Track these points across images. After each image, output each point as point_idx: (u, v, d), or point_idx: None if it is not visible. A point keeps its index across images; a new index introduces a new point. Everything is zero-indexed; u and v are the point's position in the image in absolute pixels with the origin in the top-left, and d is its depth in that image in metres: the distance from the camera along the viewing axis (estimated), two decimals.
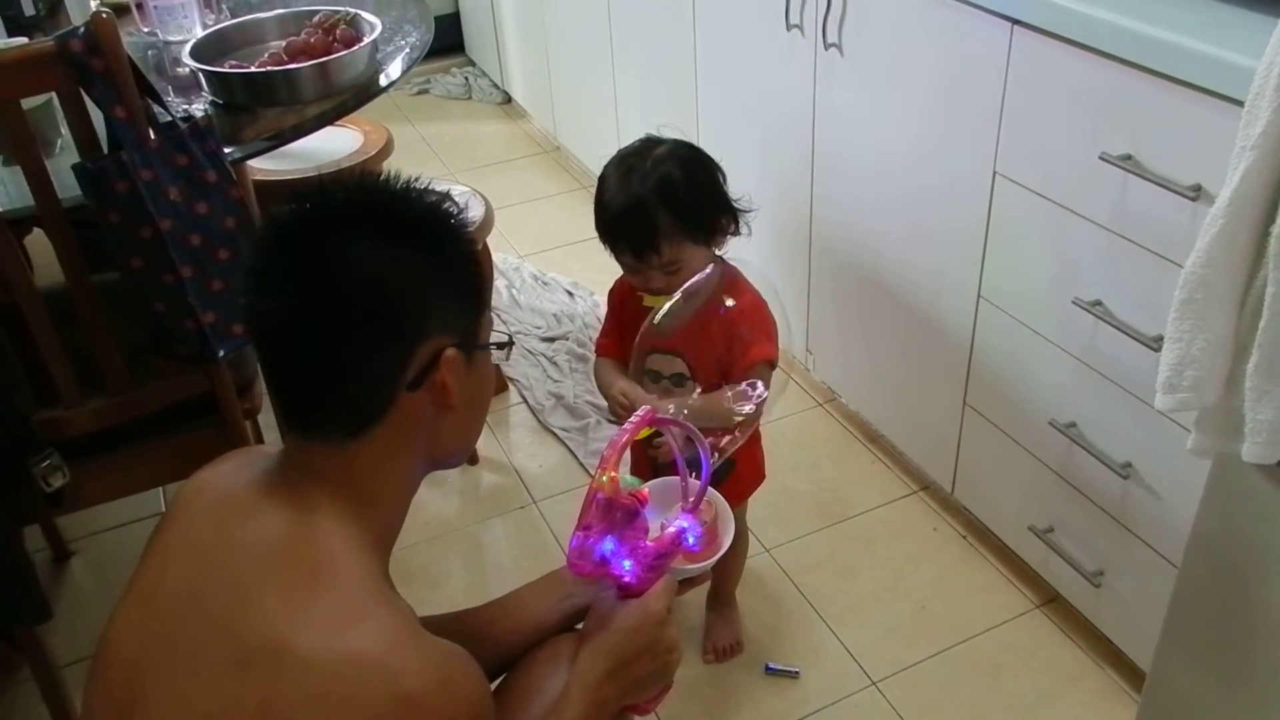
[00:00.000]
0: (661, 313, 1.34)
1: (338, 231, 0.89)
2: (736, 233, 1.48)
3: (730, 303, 1.44)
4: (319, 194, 0.92)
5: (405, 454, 0.94)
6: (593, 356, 2.40)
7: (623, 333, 1.55)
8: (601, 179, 1.46)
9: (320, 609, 0.84)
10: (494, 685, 1.13)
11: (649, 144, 1.45)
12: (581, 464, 2.16)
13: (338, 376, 0.90)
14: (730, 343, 1.47)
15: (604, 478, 1.04)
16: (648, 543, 1.07)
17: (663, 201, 1.38)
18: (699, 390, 1.50)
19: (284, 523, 0.90)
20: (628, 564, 1.05)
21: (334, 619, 0.84)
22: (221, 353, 1.44)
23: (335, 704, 0.81)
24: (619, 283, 1.58)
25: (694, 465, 1.17)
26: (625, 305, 1.56)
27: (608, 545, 1.04)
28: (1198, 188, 1.26)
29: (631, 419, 1.11)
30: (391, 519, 0.97)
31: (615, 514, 1.04)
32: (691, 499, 1.14)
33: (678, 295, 1.34)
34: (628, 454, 1.63)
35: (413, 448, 0.95)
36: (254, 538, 0.90)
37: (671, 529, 1.09)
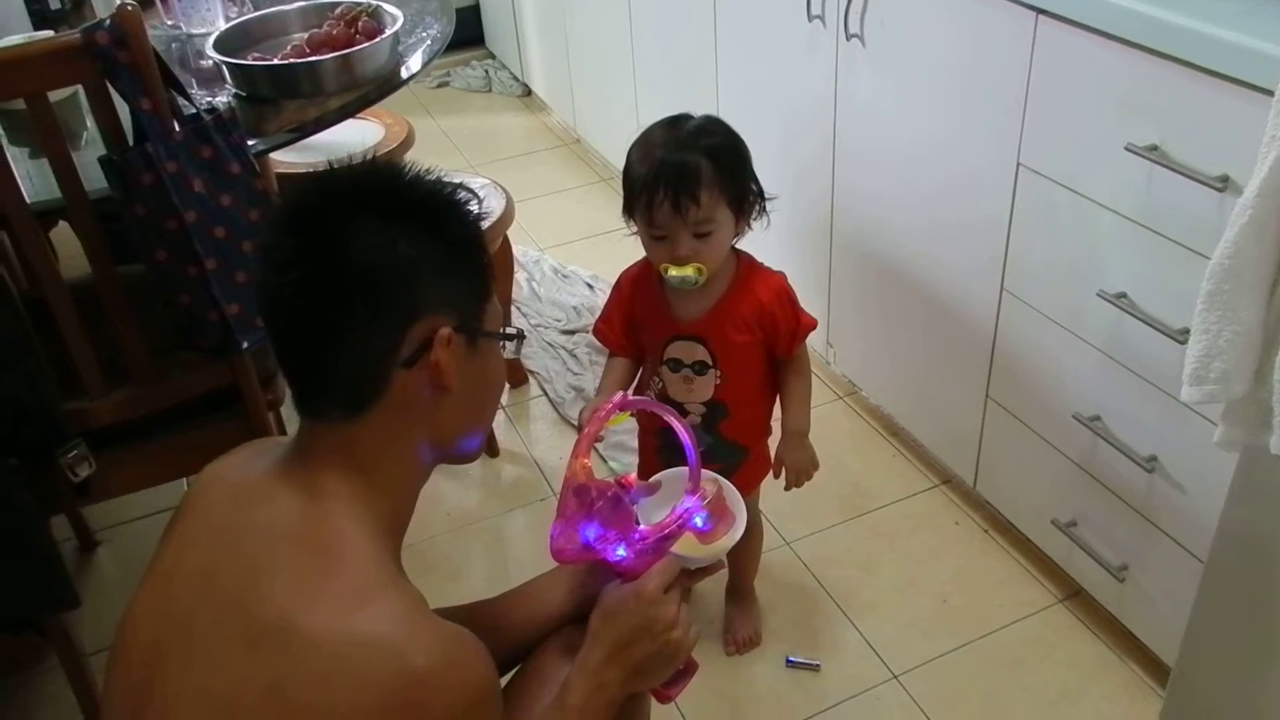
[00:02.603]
0: (679, 276, 1.40)
1: (341, 210, 0.91)
2: (761, 214, 1.48)
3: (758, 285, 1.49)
4: (328, 176, 0.94)
5: (406, 436, 0.95)
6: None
7: (629, 322, 1.56)
8: (635, 146, 1.45)
9: (330, 590, 0.85)
10: (509, 675, 1.14)
11: (683, 116, 1.46)
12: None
13: (335, 351, 0.91)
14: (766, 323, 1.49)
15: (576, 464, 1.05)
16: (645, 528, 1.07)
17: (706, 154, 1.39)
18: (720, 377, 1.50)
19: (295, 506, 0.91)
20: (622, 550, 1.05)
21: (343, 600, 0.85)
22: (245, 344, 1.45)
23: (343, 683, 0.82)
24: (629, 272, 1.57)
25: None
26: (638, 294, 1.55)
27: (590, 531, 1.05)
28: (1225, 178, 1.25)
29: (603, 405, 1.12)
30: (399, 504, 0.97)
31: (595, 500, 1.05)
32: (690, 482, 1.14)
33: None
34: (635, 450, 1.65)
35: (413, 430, 0.95)
36: (266, 520, 0.91)
37: (675, 512, 1.09)
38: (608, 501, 1.06)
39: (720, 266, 1.45)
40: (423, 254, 0.91)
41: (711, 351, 1.50)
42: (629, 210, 1.45)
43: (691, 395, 1.53)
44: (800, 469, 1.54)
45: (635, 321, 1.56)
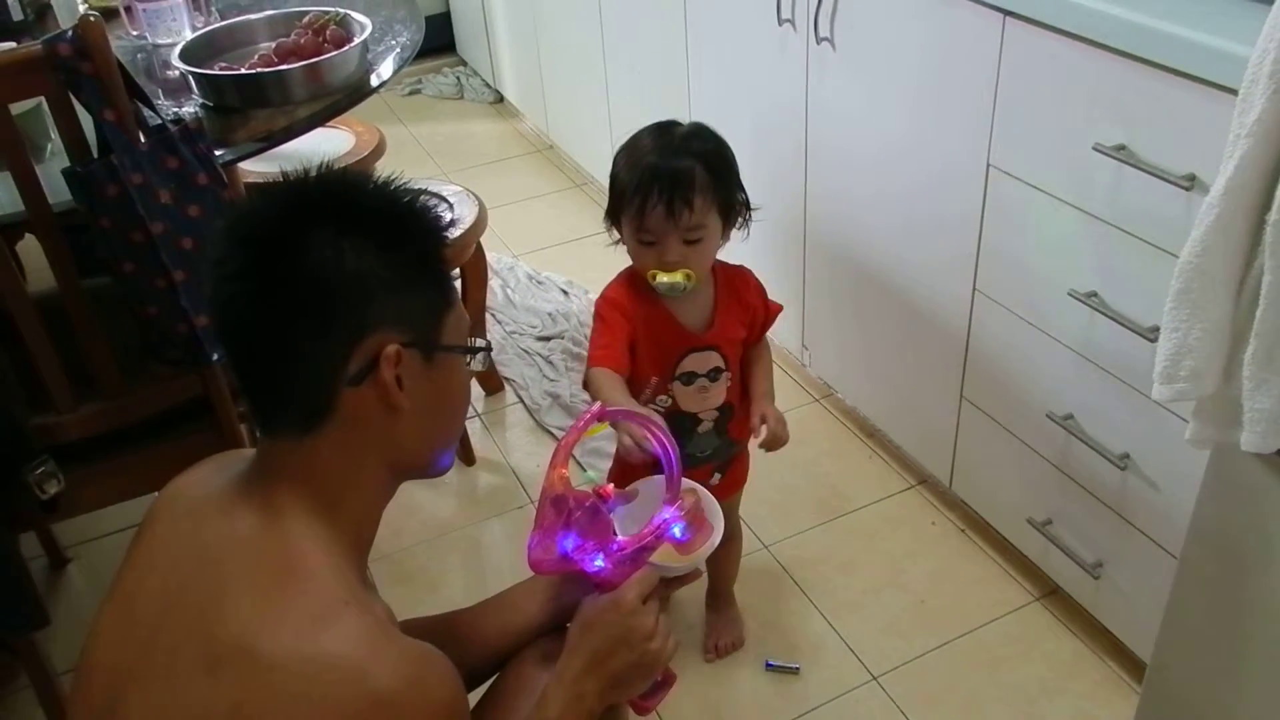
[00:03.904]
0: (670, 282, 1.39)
1: (289, 222, 0.89)
2: (745, 225, 1.47)
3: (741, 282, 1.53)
4: (280, 187, 0.93)
5: (362, 455, 0.93)
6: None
7: (631, 344, 1.46)
8: (622, 151, 1.43)
9: (292, 611, 0.84)
10: (485, 686, 1.13)
11: (671, 122, 1.45)
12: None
13: (283, 366, 0.90)
14: (752, 317, 1.52)
15: (555, 475, 1.05)
16: (622, 539, 1.06)
17: (699, 159, 1.38)
18: (730, 378, 1.51)
19: (256, 525, 0.89)
20: (600, 561, 1.04)
21: (305, 620, 0.83)
22: (215, 356, 1.44)
23: (306, 705, 0.81)
24: (620, 297, 1.47)
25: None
26: (640, 313, 1.45)
27: (569, 542, 1.04)
28: (1192, 177, 1.26)
29: (582, 415, 1.12)
30: (360, 521, 0.95)
31: (573, 511, 1.04)
32: (668, 491, 1.14)
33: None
34: (611, 457, 1.64)
35: (369, 448, 0.93)
36: (228, 539, 0.90)
37: (654, 523, 1.09)
38: (585, 512, 1.05)
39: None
40: (372, 268, 0.89)
41: (724, 355, 1.50)
42: (614, 216, 1.44)
43: (706, 403, 1.52)
44: (781, 428, 1.48)
45: (637, 343, 1.47)
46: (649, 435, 1.17)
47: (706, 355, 1.49)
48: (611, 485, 1.16)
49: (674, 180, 1.36)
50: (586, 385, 1.43)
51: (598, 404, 1.15)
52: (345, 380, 0.89)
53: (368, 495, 0.96)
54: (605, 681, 1.03)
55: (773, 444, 1.48)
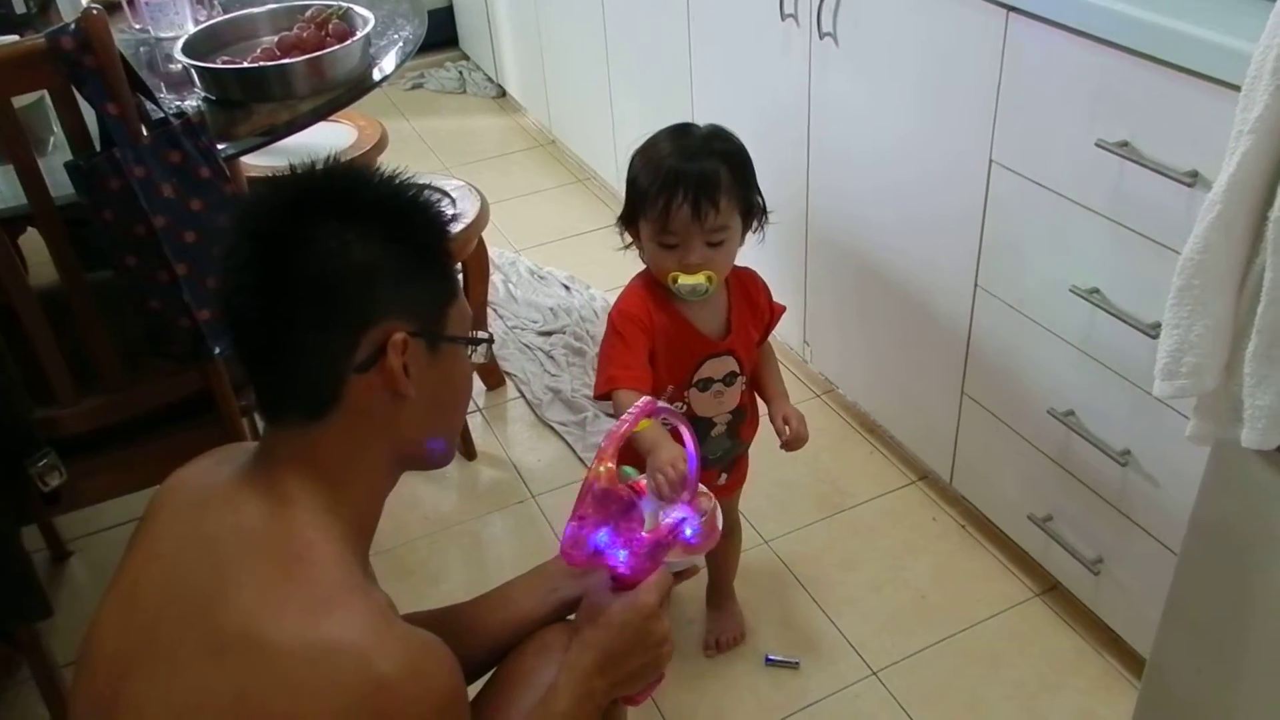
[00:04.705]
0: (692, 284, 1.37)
1: (296, 214, 0.91)
2: (760, 228, 1.47)
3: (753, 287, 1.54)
4: (286, 180, 0.94)
5: (367, 443, 0.94)
6: (589, 350, 2.42)
7: (651, 358, 1.43)
8: (640, 154, 1.41)
9: (296, 598, 0.85)
10: (484, 678, 1.13)
11: (688, 125, 1.44)
12: (580, 458, 2.16)
13: (290, 356, 0.91)
14: (766, 320, 1.54)
15: (601, 468, 1.04)
16: (644, 534, 1.07)
17: (723, 160, 1.38)
18: (744, 381, 1.51)
19: (260, 513, 0.90)
20: (623, 555, 1.05)
21: (309, 608, 0.84)
22: (217, 350, 1.44)
23: (308, 691, 0.81)
24: (634, 304, 1.44)
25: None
26: (660, 323, 1.43)
27: (602, 536, 1.04)
28: (1194, 173, 1.26)
29: (631, 409, 1.11)
30: (364, 510, 0.97)
31: (611, 505, 1.05)
32: (687, 492, 1.14)
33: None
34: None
35: (374, 435, 0.94)
36: (231, 528, 0.90)
37: (669, 520, 1.09)
38: (622, 506, 1.05)
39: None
40: (377, 258, 0.91)
41: (739, 359, 1.50)
42: (629, 220, 1.43)
43: (721, 407, 1.51)
44: (804, 428, 1.50)
45: (655, 353, 1.45)
46: (685, 438, 1.18)
47: (723, 360, 1.48)
48: (645, 480, 1.16)
49: (700, 181, 1.34)
50: (613, 406, 1.41)
51: (645, 399, 1.13)
52: (353, 367, 0.91)
53: (371, 483, 0.97)
54: (616, 679, 1.04)
55: (796, 445, 1.50)
